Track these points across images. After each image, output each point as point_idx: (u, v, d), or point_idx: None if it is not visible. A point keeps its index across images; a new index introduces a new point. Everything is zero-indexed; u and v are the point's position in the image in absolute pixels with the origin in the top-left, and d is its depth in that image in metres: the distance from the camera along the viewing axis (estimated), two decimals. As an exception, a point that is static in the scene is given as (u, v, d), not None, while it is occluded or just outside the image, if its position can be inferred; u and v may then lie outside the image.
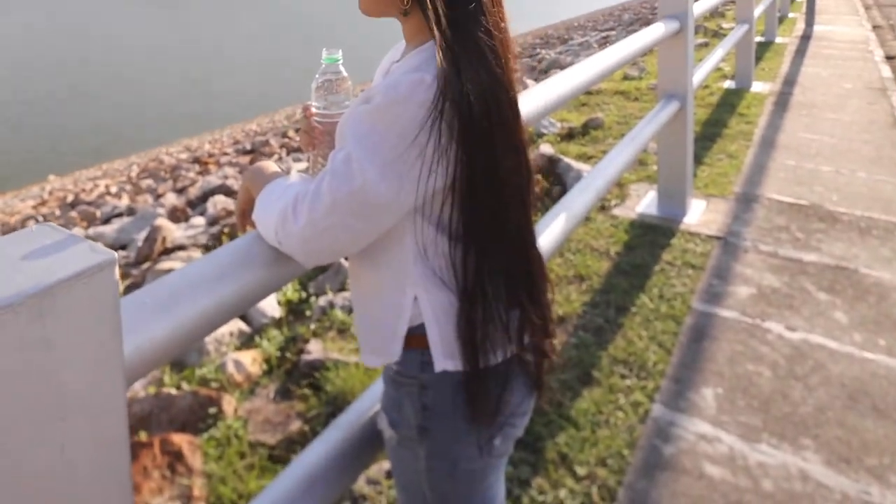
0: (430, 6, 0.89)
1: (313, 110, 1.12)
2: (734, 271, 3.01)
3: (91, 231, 4.58)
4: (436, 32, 0.89)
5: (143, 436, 2.13)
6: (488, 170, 0.92)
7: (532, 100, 1.88)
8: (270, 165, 1.12)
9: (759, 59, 7.55)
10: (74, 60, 30.65)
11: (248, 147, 10.28)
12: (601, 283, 2.93)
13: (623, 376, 2.34)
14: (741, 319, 2.65)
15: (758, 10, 6.88)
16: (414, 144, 0.87)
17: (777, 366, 2.37)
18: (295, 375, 2.43)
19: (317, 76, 1.10)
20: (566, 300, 2.81)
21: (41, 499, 0.68)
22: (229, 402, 2.26)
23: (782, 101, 5.91)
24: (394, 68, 1.02)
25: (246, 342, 2.69)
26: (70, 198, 9.56)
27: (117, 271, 0.72)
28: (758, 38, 8.67)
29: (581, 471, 1.95)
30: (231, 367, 2.43)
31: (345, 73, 1.12)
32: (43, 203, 9.98)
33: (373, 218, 0.91)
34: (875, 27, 10.28)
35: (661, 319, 2.65)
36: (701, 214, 3.60)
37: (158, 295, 0.90)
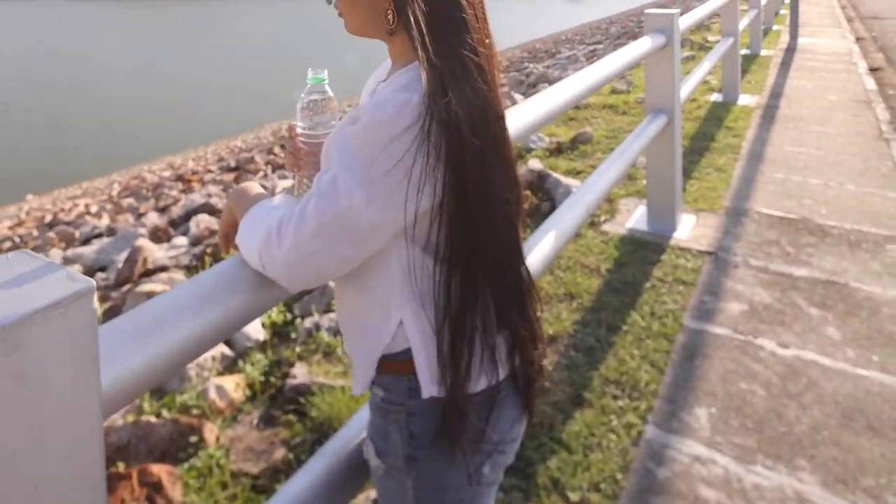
0: (414, 26, 0.88)
1: (298, 130, 1.10)
2: (725, 287, 2.98)
3: (69, 252, 4.49)
4: (420, 52, 0.87)
5: (120, 466, 2.06)
6: (477, 189, 0.90)
7: (521, 115, 1.87)
8: (255, 187, 1.09)
9: (744, 71, 7.60)
10: (53, 78, 30.32)
11: (233, 164, 10.18)
12: (592, 301, 2.89)
13: (615, 397, 2.30)
14: (733, 336, 2.61)
15: (742, 23, 6.93)
16: (401, 165, 0.85)
17: (770, 384, 2.33)
18: (279, 401, 2.37)
19: (302, 96, 1.08)
20: (557, 319, 2.77)
21: (12, 539, 0.66)
22: (211, 430, 2.19)
23: (769, 114, 5.93)
24: (380, 88, 1.00)
25: (229, 366, 2.62)
26: (48, 218, 9.41)
27: (96, 299, 0.70)
28: (743, 51, 8.75)
29: (574, 496, 1.90)
30: (213, 393, 2.36)
31: (330, 93, 1.10)
32: (20, 224, 9.81)
33: (359, 241, 0.89)
34: (858, 39, 10.40)
35: (652, 338, 2.62)
36: (691, 229, 3.58)
37: (139, 322, 0.87)
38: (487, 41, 0.94)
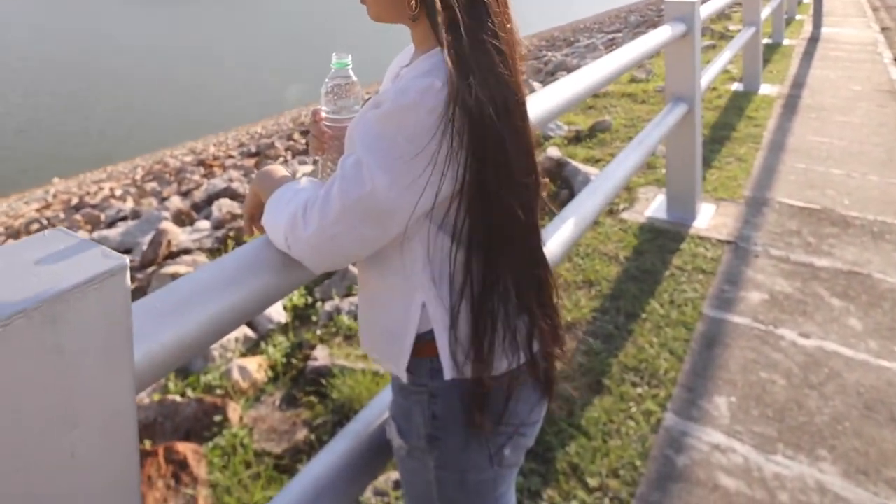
0: (437, 11, 0.89)
1: (323, 115, 1.12)
2: (745, 277, 2.97)
3: (95, 234, 4.55)
4: (444, 38, 0.88)
5: (147, 444, 2.10)
6: (498, 174, 0.91)
7: (540, 103, 1.86)
8: (280, 169, 1.11)
9: (766, 61, 7.50)
10: (79, 63, 30.64)
11: (254, 150, 10.21)
12: (611, 289, 2.89)
13: (634, 384, 2.30)
14: (754, 326, 2.60)
15: (765, 13, 6.83)
16: (424, 150, 0.86)
17: (791, 374, 2.33)
18: (301, 382, 2.40)
19: (326, 80, 1.10)
20: (575, 306, 2.77)
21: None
22: (234, 410, 2.23)
23: (791, 104, 5.86)
24: (403, 73, 1.01)
25: (251, 348, 2.66)
26: (74, 200, 9.51)
27: (129, 276, 0.71)
28: (765, 41, 8.63)
29: (593, 482, 1.91)
30: (236, 374, 2.40)
31: (354, 78, 1.12)
32: (47, 206, 9.93)
33: (382, 224, 0.90)
34: (883, 29, 10.22)
35: (671, 326, 2.61)
36: (711, 218, 3.56)
37: (169, 300, 0.89)
38: (509, 26, 0.94)
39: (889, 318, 2.61)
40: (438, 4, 0.89)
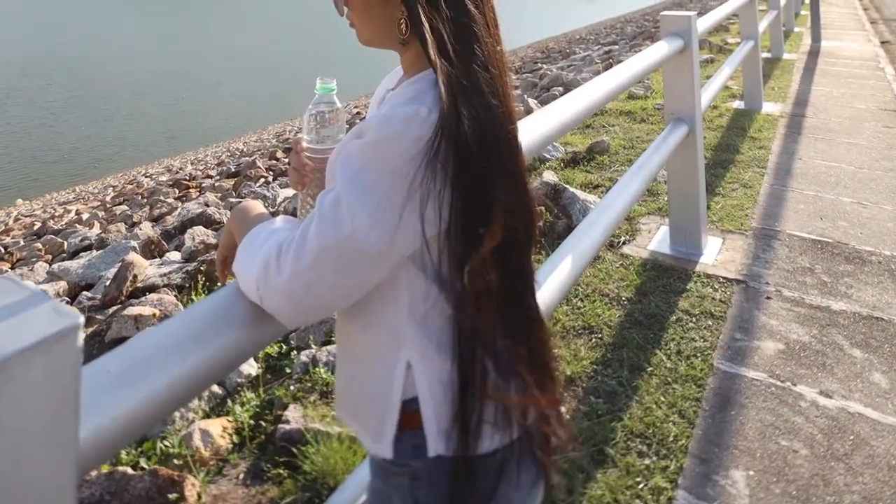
0: (428, 37, 0.82)
1: (304, 144, 1.03)
2: (758, 323, 2.74)
3: (56, 267, 4.27)
4: (434, 64, 0.81)
5: (90, 529, 1.85)
6: (486, 212, 0.81)
7: (537, 126, 1.72)
8: (256, 206, 1.02)
9: (767, 76, 7.32)
10: (49, 72, 29.67)
11: (234, 169, 9.80)
12: (612, 337, 2.66)
13: (641, 454, 2.07)
14: (770, 382, 2.38)
15: (762, 25, 6.64)
16: (409, 185, 0.78)
17: (814, 441, 2.10)
18: (269, 451, 2.15)
19: (309, 107, 1.02)
20: (574, 357, 2.53)
21: None
22: (192, 486, 1.98)
23: (795, 124, 5.66)
24: (388, 97, 0.94)
25: (217, 406, 2.41)
26: (37, 225, 9.00)
27: (82, 336, 0.59)
28: (764, 54, 8.46)
29: (596, 579, 1.68)
30: (197, 440, 2.15)
31: (339, 105, 1.04)
32: (6, 231, 9.37)
33: (364, 269, 0.81)
34: (883, 42, 10.08)
35: (680, 382, 2.38)
36: (717, 253, 3.34)
37: (123, 363, 0.78)
38: (499, 48, 0.88)
39: (917, 373, 2.39)
40: (428, 29, 0.82)
